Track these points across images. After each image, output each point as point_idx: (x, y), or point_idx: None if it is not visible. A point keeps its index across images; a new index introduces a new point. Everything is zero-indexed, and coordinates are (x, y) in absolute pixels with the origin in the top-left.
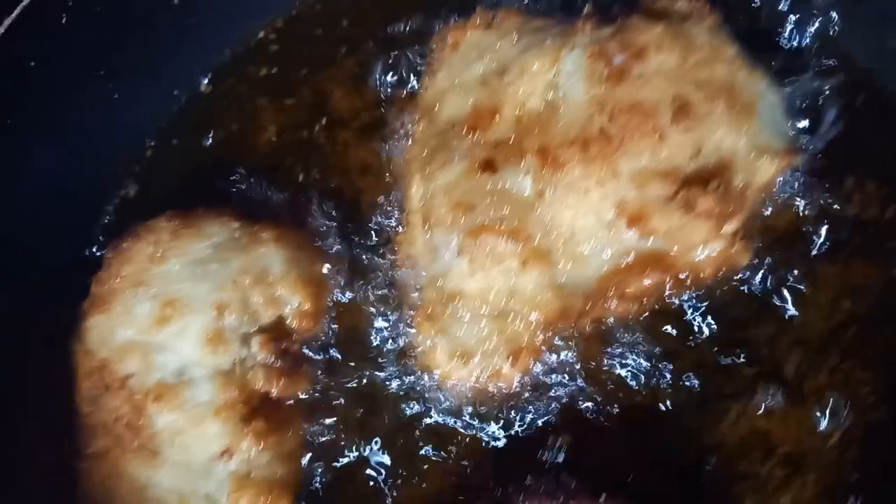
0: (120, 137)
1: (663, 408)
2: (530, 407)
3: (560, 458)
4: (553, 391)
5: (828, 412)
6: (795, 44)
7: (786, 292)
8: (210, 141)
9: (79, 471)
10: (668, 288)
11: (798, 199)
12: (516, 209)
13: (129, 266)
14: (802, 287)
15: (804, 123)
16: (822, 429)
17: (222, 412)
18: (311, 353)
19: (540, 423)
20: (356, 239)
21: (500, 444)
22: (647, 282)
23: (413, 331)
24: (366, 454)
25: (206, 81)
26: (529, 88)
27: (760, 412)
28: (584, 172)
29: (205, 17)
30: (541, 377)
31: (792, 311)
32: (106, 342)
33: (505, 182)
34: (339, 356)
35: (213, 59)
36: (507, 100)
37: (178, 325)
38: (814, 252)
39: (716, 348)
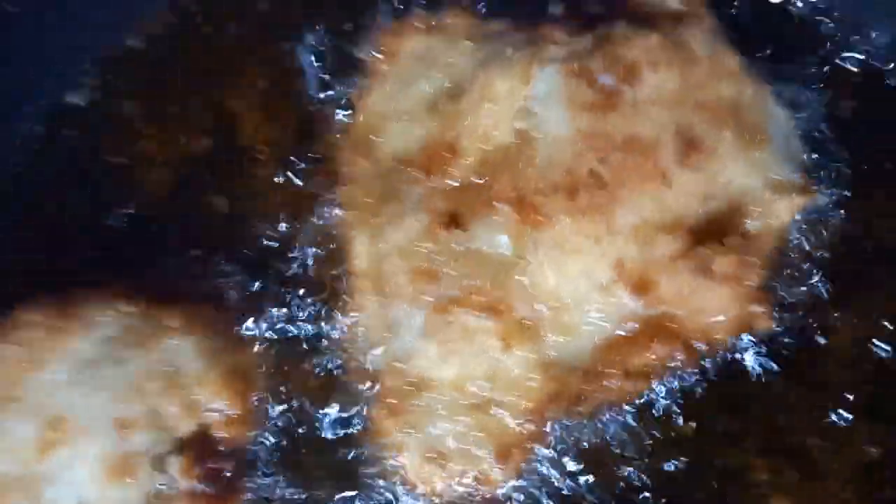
0: None
1: None
2: None
3: None
4: (548, 493)
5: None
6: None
7: (803, 356)
8: (81, 188)
9: None
10: (677, 360)
11: (811, 239)
12: (492, 275)
13: None
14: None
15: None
16: None
17: None
18: (244, 467)
19: None
20: (285, 311)
21: None
22: (653, 355)
23: (371, 428)
24: None
25: (73, 100)
26: (494, 116)
27: None
28: (572, 227)
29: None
30: (534, 476)
31: (811, 375)
32: None
33: (476, 241)
34: (279, 467)
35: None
36: (467, 131)
37: (69, 452)
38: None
39: (729, 435)
